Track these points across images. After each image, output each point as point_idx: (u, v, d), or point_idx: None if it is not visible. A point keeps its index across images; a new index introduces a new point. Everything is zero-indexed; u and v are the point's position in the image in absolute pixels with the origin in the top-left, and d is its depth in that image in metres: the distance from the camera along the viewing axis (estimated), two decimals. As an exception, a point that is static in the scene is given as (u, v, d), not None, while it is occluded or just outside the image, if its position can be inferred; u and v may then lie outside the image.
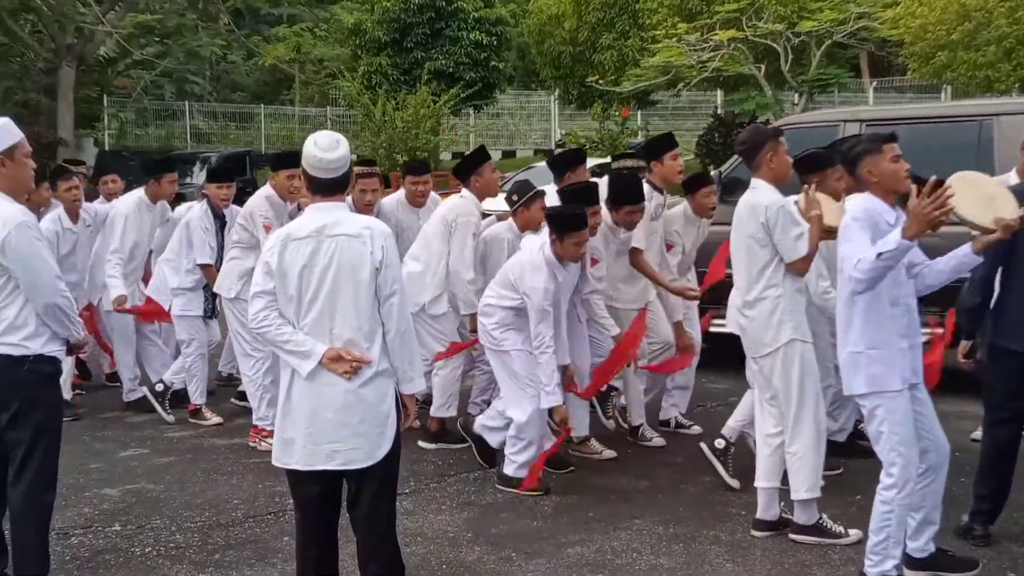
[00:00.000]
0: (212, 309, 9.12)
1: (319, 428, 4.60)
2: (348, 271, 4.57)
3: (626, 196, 7.42)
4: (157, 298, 9.28)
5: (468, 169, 8.11)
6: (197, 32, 34.38)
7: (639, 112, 29.08)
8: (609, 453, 7.72)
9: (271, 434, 7.95)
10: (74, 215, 9.24)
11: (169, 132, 34.67)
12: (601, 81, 21.21)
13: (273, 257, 4.65)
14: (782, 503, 6.08)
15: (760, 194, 5.88)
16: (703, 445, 7.08)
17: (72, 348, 5.32)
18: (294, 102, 38.81)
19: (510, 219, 7.92)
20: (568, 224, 6.77)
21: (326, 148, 4.66)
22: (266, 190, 8.38)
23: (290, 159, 8.18)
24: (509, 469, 7.04)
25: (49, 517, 5.26)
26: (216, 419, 8.93)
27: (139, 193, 9.39)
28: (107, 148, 31.56)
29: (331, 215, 4.66)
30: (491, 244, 8.02)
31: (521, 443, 7.02)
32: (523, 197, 7.71)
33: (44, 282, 5.05)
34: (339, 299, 4.59)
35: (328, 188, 4.69)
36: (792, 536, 5.97)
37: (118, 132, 33.06)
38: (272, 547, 6.07)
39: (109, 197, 10.07)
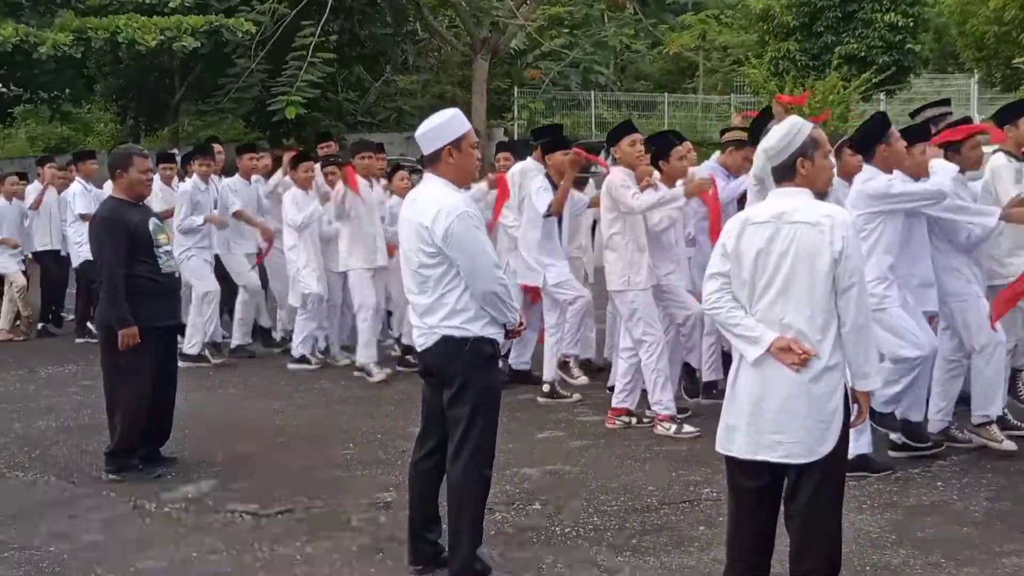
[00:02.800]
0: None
1: (762, 417, 4.52)
2: (805, 260, 4.46)
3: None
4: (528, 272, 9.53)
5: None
6: (604, 22, 35.02)
7: (1069, 94, 27.06)
8: (1009, 445, 7.19)
9: (668, 418, 8.07)
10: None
11: (575, 121, 35.37)
12: (1029, 62, 19.87)
13: (730, 239, 4.65)
14: None
15: None
16: None
17: (509, 332, 5.47)
18: (697, 90, 38.74)
19: None
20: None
21: (769, 137, 4.69)
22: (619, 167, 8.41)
23: (626, 128, 8.52)
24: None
25: (486, 493, 5.44)
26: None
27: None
28: (516, 138, 32.67)
29: (792, 201, 4.59)
30: None
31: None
32: None
33: (483, 270, 5.21)
34: (793, 288, 4.49)
35: (776, 175, 4.68)
36: None
37: (528, 122, 34.13)
38: (688, 535, 6.04)
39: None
